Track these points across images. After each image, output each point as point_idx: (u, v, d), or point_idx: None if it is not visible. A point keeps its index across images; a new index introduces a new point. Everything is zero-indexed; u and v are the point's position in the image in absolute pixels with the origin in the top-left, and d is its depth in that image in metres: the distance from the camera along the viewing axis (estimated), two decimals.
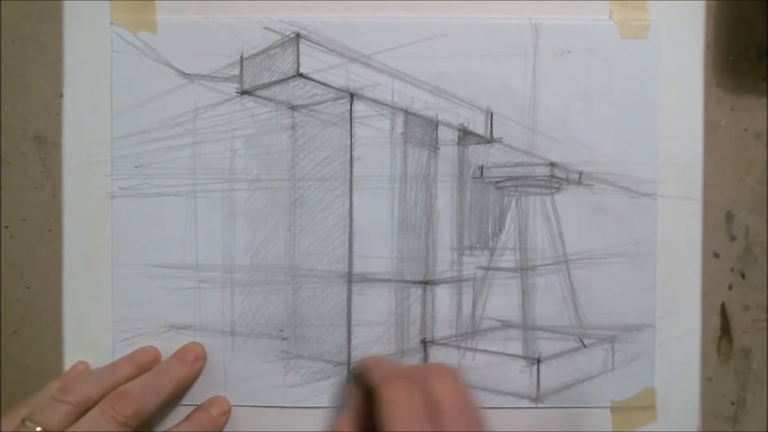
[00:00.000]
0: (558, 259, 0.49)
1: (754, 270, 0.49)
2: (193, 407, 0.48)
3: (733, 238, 0.49)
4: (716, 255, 0.49)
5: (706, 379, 0.49)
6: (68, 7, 0.49)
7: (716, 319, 0.49)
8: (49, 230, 0.49)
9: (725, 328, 0.49)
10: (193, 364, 0.47)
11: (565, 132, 0.49)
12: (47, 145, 0.49)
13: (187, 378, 0.47)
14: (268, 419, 0.49)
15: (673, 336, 0.49)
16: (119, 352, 0.48)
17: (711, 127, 0.49)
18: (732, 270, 0.49)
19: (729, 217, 0.49)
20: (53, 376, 0.48)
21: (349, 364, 0.49)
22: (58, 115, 0.49)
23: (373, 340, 0.49)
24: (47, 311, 0.49)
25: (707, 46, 0.49)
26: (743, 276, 0.49)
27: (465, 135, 0.50)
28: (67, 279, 0.49)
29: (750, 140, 0.49)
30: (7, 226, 0.49)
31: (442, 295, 0.50)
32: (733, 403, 0.49)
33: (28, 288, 0.49)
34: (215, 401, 0.48)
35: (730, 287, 0.49)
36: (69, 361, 0.49)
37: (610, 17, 0.49)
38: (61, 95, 0.49)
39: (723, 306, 0.49)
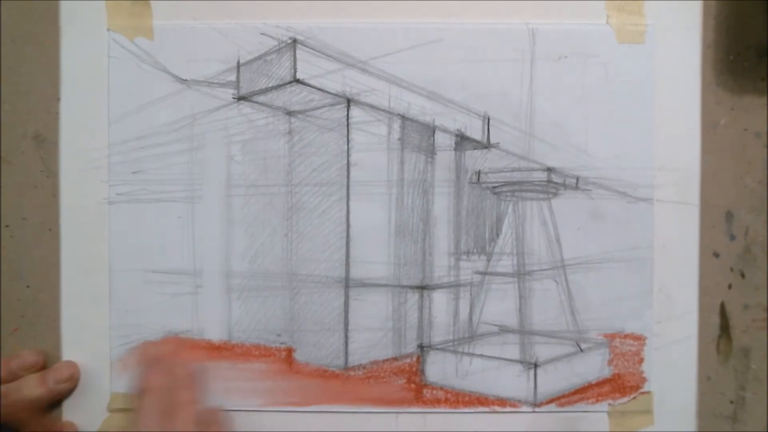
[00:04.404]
0: (555, 264, 0.49)
1: (754, 269, 0.49)
2: None
3: (732, 237, 0.49)
4: (716, 255, 0.49)
5: (706, 379, 0.49)
6: (65, 14, 0.49)
7: (716, 319, 0.49)
8: (49, 229, 0.49)
9: (725, 328, 0.49)
10: (54, 386, 0.47)
11: (562, 137, 0.49)
12: (47, 144, 0.49)
13: (42, 399, 0.46)
14: (267, 422, 0.49)
15: (670, 341, 0.49)
16: (117, 357, 0.49)
17: (711, 126, 0.49)
18: (731, 269, 0.49)
19: (729, 216, 0.49)
20: None
21: (346, 368, 0.49)
22: (58, 114, 0.49)
23: (371, 344, 0.49)
24: (47, 310, 0.49)
25: (707, 46, 0.49)
26: (743, 275, 0.49)
27: (462, 140, 0.50)
28: (65, 284, 0.49)
29: (750, 140, 0.49)
30: (7, 226, 0.49)
31: (439, 300, 0.50)
32: (732, 402, 0.49)
33: (27, 287, 0.49)
34: (56, 368, 0.48)
35: (730, 287, 0.49)
36: None
37: (607, 22, 0.48)
38: (59, 99, 0.49)
39: (722, 305, 0.49)
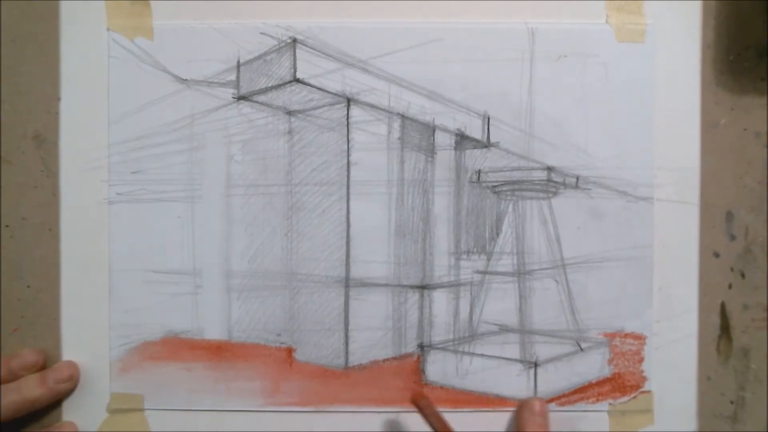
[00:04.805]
0: (555, 263, 0.49)
1: (754, 269, 0.49)
2: None
3: (732, 237, 0.49)
4: (716, 255, 0.49)
5: (706, 379, 0.49)
6: (65, 14, 0.49)
7: (716, 319, 0.49)
8: (49, 229, 0.49)
9: (725, 328, 0.49)
10: (54, 386, 0.47)
11: (561, 136, 0.49)
12: (47, 144, 0.49)
13: (42, 399, 0.46)
14: (267, 422, 0.49)
15: (670, 340, 0.49)
16: (117, 358, 0.49)
17: (710, 126, 0.49)
18: (732, 269, 0.49)
19: (729, 216, 0.49)
20: None
21: (346, 367, 0.49)
22: (58, 114, 0.49)
23: (371, 344, 0.49)
24: (47, 310, 0.49)
25: (707, 46, 0.49)
26: (743, 275, 0.49)
27: (462, 139, 0.50)
28: (65, 284, 0.49)
29: (749, 140, 0.49)
30: (7, 226, 0.49)
31: (440, 300, 0.50)
32: (732, 403, 0.49)
33: (28, 287, 0.49)
34: (56, 368, 0.48)
35: (730, 287, 0.49)
36: None
37: (606, 21, 0.48)
38: (59, 99, 0.49)
39: (722, 305, 0.49)
